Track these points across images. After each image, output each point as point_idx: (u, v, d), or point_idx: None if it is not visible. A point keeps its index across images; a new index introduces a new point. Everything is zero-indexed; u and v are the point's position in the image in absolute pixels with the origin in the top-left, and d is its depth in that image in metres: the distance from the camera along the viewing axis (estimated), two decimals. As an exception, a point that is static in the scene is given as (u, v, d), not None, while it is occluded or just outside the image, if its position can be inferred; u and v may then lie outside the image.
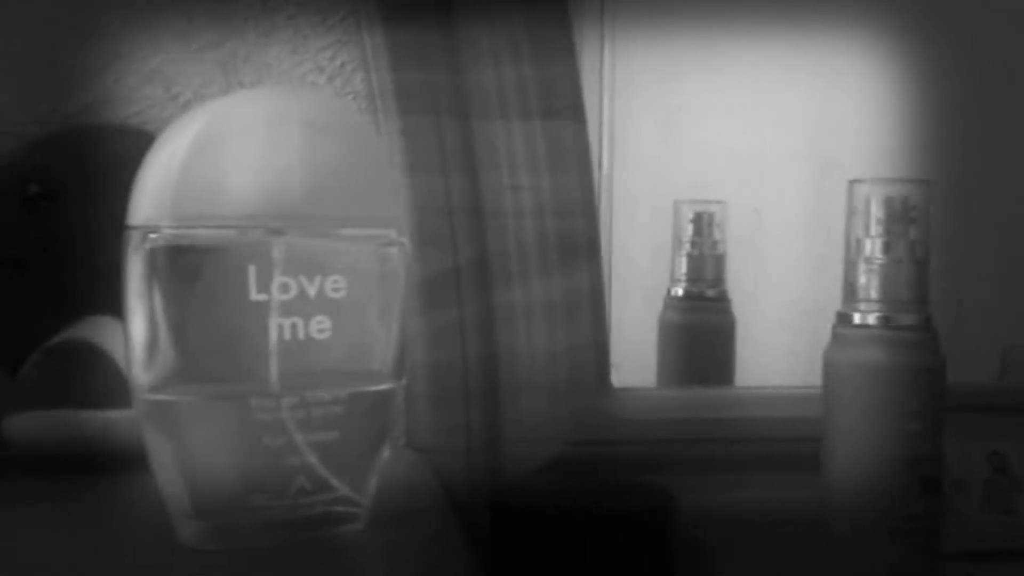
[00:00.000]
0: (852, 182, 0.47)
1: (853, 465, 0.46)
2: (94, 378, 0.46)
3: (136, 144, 0.54)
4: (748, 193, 0.69)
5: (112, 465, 0.45)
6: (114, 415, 0.45)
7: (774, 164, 0.71)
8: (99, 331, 0.48)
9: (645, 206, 0.69)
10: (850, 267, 0.47)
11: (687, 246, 0.69)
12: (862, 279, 0.46)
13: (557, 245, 0.56)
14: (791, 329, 0.69)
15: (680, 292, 0.68)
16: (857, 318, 0.46)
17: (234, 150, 0.35)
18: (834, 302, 0.69)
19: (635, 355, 0.66)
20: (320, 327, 0.35)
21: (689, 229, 0.69)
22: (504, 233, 0.56)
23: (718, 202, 0.69)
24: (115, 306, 0.49)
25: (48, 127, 0.57)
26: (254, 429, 0.34)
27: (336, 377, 0.36)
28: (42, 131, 0.57)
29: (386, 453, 0.38)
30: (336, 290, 0.36)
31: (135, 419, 0.45)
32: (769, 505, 0.57)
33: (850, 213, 0.47)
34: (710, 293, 0.68)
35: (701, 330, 0.68)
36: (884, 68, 0.69)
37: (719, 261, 0.69)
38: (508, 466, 0.56)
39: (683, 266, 0.69)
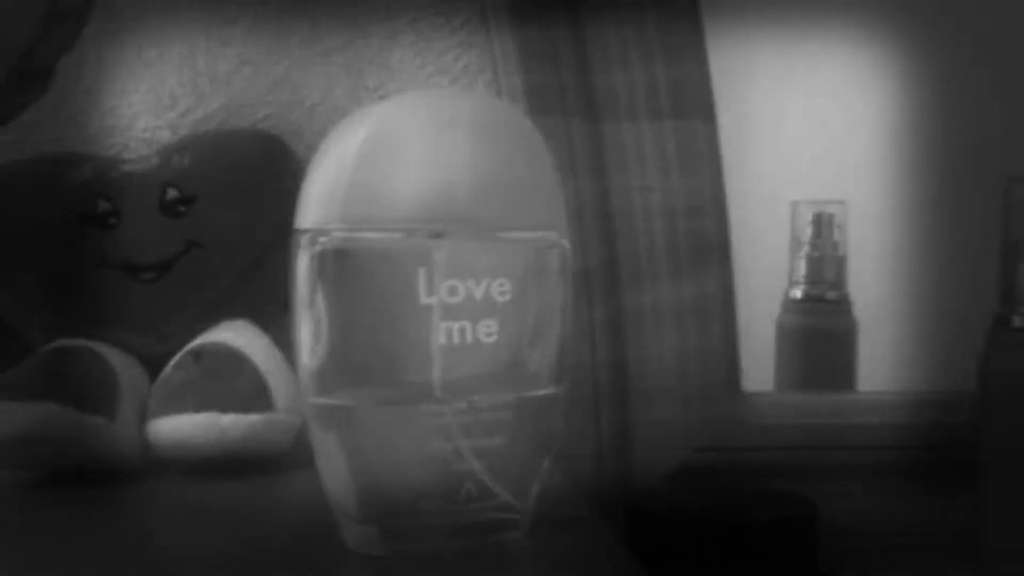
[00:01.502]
0: (1010, 180, 0.45)
1: (1016, 475, 0.44)
2: (235, 382, 0.46)
3: (266, 148, 0.54)
4: (824, 196, 0.68)
5: (252, 469, 0.45)
6: (255, 418, 0.45)
7: (852, 166, 0.69)
8: (238, 334, 0.49)
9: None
10: (1008, 269, 0.45)
11: (806, 247, 0.67)
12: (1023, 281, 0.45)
13: (687, 247, 0.56)
14: (864, 332, 0.67)
15: (799, 295, 0.67)
16: (1018, 321, 0.45)
17: (403, 153, 0.34)
18: (910, 305, 0.67)
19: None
20: (488, 331, 0.35)
21: (808, 230, 0.67)
22: (634, 235, 0.55)
23: (839, 202, 0.67)
24: (254, 309, 0.51)
25: (179, 132, 0.57)
26: (423, 434, 0.34)
27: (502, 382, 0.35)
28: (173, 136, 0.57)
29: (548, 462, 0.37)
30: (502, 293, 0.35)
31: (277, 422, 0.46)
32: (906, 514, 0.55)
33: (1007, 213, 0.45)
34: (830, 295, 0.67)
35: (821, 333, 0.66)
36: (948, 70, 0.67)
37: (839, 263, 0.67)
38: (638, 471, 0.55)
39: (802, 268, 0.67)
